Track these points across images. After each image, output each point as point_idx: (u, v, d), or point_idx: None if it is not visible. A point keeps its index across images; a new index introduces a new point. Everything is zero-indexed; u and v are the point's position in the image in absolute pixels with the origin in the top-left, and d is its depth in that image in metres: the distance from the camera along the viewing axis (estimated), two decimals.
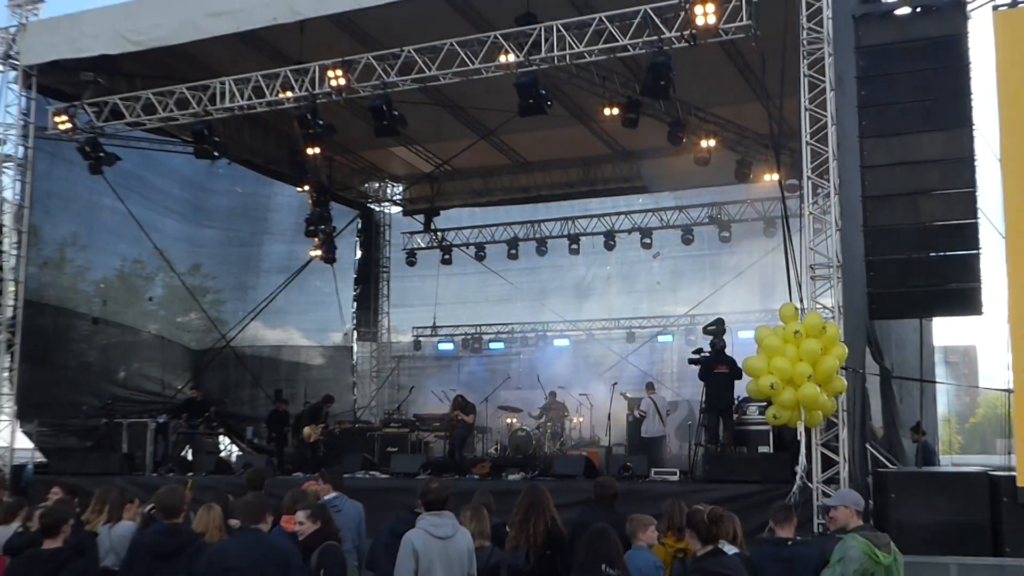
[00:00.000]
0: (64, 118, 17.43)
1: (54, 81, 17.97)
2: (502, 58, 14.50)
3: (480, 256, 25.10)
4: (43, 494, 11.50)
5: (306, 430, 18.18)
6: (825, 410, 11.63)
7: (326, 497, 8.82)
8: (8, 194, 17.90)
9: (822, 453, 11.92)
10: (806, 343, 11.44)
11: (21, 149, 17.86)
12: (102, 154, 17.54)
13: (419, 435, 18.75)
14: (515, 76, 14.46)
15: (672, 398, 19.90)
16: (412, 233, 26.06)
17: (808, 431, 11.84)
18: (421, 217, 25.51)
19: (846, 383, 11.68)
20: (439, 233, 25.66)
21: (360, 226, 26.46)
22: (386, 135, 15.95)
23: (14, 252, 17.78)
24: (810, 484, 11.76)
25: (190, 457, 19.55)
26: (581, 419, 19.53)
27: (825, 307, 12.15)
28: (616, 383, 19.03)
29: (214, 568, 6.67)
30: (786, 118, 13.54)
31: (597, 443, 18.43)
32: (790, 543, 7.34)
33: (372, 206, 26.51)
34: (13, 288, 17.73)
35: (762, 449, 13.93)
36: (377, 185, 26.03)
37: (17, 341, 17.62)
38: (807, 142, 12.51)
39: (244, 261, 23.96)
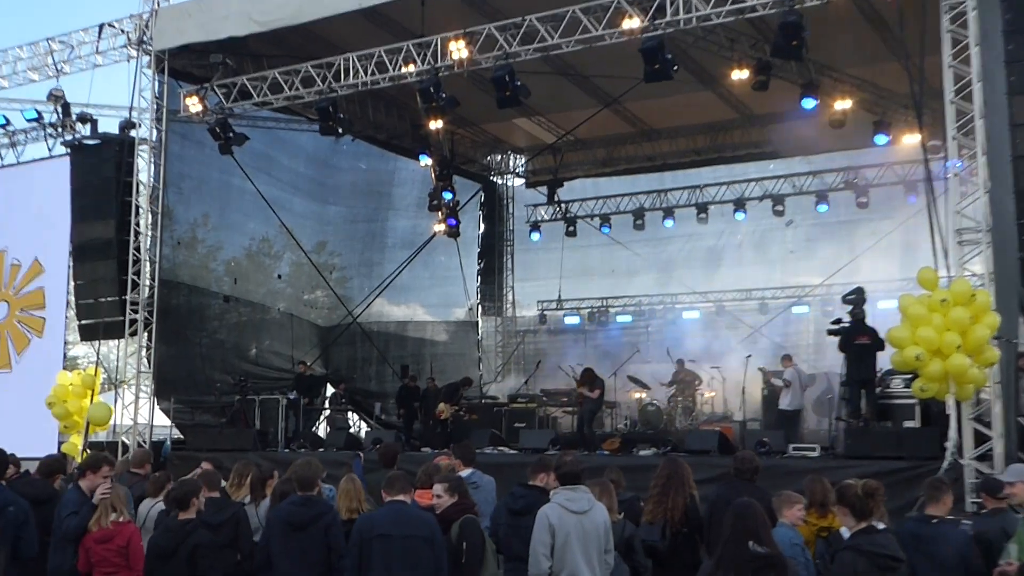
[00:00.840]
0: (195, 100, 17.90)
1: (184, 64, 18.39)
2: (626, 23, 14.34)
3: (605, 227, 24.86)
4: (181, 469, 11.96)
5: (441, 406, 18.41)
6: (977, 382, 11.33)
7: (463, 473, 8.87)
8: (144, 176, 18.37)
9: (973, 428, 11.58)
10: (954, 312, 11.17)
11: (155, 132, 18.30)
12: (231, 134, 17.90)
13: (546, 410, 18.83)
14: (640, 41, 14.27)
15: (809, 371, 19.30)
16: (536, 206, 25.92)
17: (958, 405, 11.55)
18: (544, 189, 25.41)
19: (999, 354, 11.34)
20: (563, 205, 25.38)
21: (483, 199, 26.33)
22: (508, 106, 15.93)
23: (149, 233, 18.22)
24: (961, 461, 11.45)
25: (322, 433, 20.05)
26: (713, 393, 19.38)
27: (973, 274, 11.84)
28: (750, 356, 18.79)
29: (365, 535, 6.86)
30: (926, 76, 13.28)
31: (730, 418, 18.24)
32: (935, 521, 7.14)
33: (495, 179, 26.47)
34: (149, 268, 18.14)
35: (908, 424, 13.53)
36: (500, 157, 25.99)
37: (153, 320, 18.06)
38: (951, 101, 12.14)
39: (369, 237, 24.13)
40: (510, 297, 26.53)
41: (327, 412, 21.46)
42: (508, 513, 7.76)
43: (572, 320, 25.34)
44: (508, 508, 7.80)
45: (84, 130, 20.82)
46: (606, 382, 17.51)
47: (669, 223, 23.99)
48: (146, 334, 18.05)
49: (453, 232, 23.40)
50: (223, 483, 8.59)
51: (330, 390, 22.09)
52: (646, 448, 15.21)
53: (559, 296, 25.63)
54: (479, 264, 26.29)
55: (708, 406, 19.24)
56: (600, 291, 25.21)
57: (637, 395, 19.75)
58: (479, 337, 26.28)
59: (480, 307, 26.34)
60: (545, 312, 25.89)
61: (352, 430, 21.27)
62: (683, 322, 23.71)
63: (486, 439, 16.52)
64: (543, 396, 19.24)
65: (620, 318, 24.83)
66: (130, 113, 18.29)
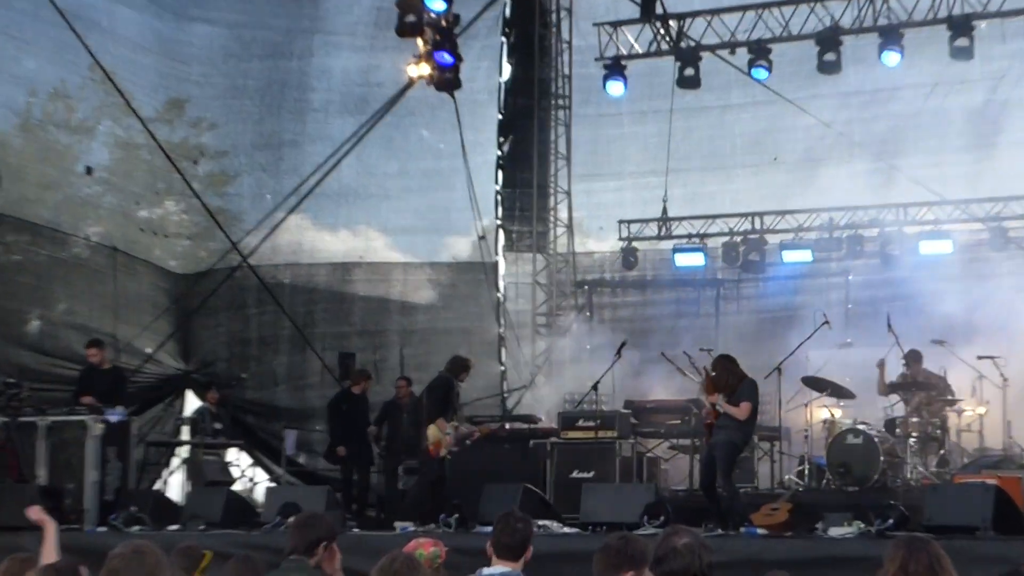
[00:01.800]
0: None
1: None
2: None
3: (759, 68, 23.42)
4: None
5: (433, 431, 18.24)
6: None
7: (487, 572, 8.86)
8: None
9: None
10: None
11: None
12: None
13: (638, 444, 19.37)
14: None
15: None
16: (616, 24, 24.62)
17: None
18: None
19: None
20: (670, 25, 24.18)
21: (509, 14, 25.92)
22: None
23: None
24: None
25: (174, 492, 20.79)
26: (984, 411, 19.26)
27: None
28: None
29: None
30: None
31: (1017, 459, 18.17)
32: None
33: None
34: None
35: None
36: None
37: None
38: None
39: (273, 92, 24.17)
40: (564, 214, 26.62)
41: (185, 449, 21.64)
42: None
43: (690, 260, 25.22)
44: None
45: None
46: (761, 386, 17.01)
47: (891, 56, 22.50)
48: None
49: (447, 79, 22.59)
50: None
51: (192, 403, 22.89)
52: (844, 522, 14.94)
53: (663, 212, 25.15)
54: (500, 148, 26.13)
55: (973, 434, 19.37)
56: (748, 202, 25.07)
57: (824, 414, 19.79)
58: (499, 295, 25.99)
59: (502, 234, 26.42)
60: (634, 244, 25.52)
61: (240, 486, 21.50)
62: (918, 262, 23.44)
63: (513, 499, 16.27)
64: (629, 415, 19.49)
65: (789, 255, 24.46)
66: None
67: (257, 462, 22.94)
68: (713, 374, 16.67)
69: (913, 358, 19.40)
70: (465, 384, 19.53)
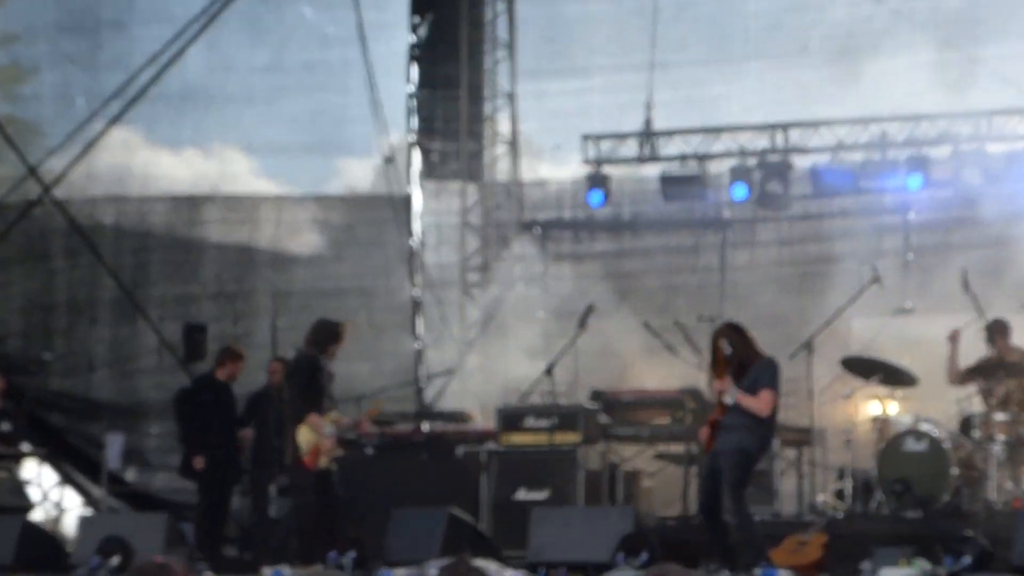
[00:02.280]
0: None
1: None
2: None
3: None
4: None
5: (305, 436, 17.83)
6: None
7: None
8: None
9: None
10: None
11: None
12: None
13: (609, 452, 19.88)
14: None
15: None
16: None
17: None
18: None
19: None
20: None
21: None
22: None
23: None
24: None
25: None
26: None
27: None
28: None
29: None
30: None
31: None
32: None
33: None
34: None
35: None
36: None
37: None
38: None
39: None
40: (503, 128, 26.92)
41: None
42: None
43: (684, 192, 25.12)
44: None
45: None
46: (784, 370, 17.12)
47: None
48: None
49: None
50: None
51: None
52: (900, 560, 15.68)
53: (646, 125, 24.88)
54: (414, 31, 26.03)
55: None
56: (766, 109, 24.91)
57: (874, 409, 20.13)
58: (414, 242, 25.89)
59: (417, 157, 26.26)
60: (605, 169, 25.11)
61: (42, 513, 22.06)
62: (1011, 194, 23.25)
63: (434, 531, 17.09)
64: (598, 411, 19.76)
65: (824, 184, 24.38)
66: None
67: (66, 479, 22.77)
68: (723, 351, 15.97)
69: (999, 331, 19.06)
70: (362, 367, 21.00)
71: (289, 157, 25.32)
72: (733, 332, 16.17)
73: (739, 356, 15.93)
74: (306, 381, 18.08)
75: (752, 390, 15.70)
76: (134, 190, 24.44)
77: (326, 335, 18.42)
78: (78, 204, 23.64)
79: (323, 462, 17.75)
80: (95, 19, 24.37)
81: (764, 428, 15.97)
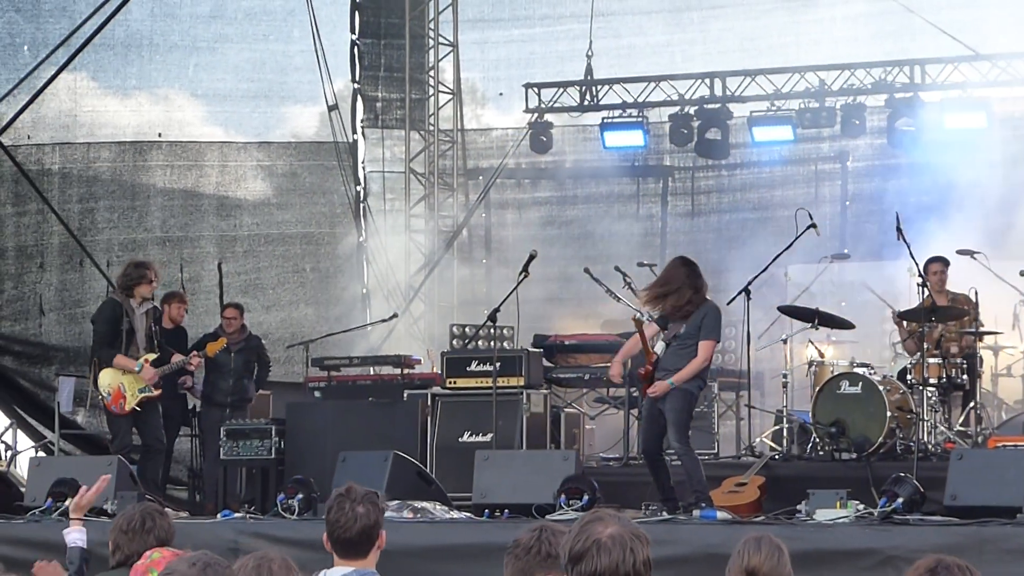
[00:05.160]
0: None
1: None
2: None
3: None
4: None
5: (108, 378, 18.89)
6: None
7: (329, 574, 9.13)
8: None
9: None
10: None
11: None
12: None
13: (554, 395, 20.05)
14: None
15: None
16: None
17: None
18: None
19: None
20: None
21: None
22: None
23: None
24: None
25: None
26: None
27: None
28: None
29: None
30: None
31: None
32: None
33: None
34: None
35: None
36: None
37: None
38: None
39: None
40: (446, 76, 27.34)
41: None
42: None
43: (625, 139, 25.99)
44: None
45: None
46: (723, 315, 17.84)
47: None
48: None
49: None
50: None
51: None
52: (836, 502, 15.80)
53: (587, 73, 25.81)
54: None
55: (1014, 381, 20.55)
56: (705, 58, 25.73)
57: (810, 353, 20.36)
58: (359, 188, 26.69)
59: (361, 105, 27.07)
60: (548, 117, 26.39)
61: None
62: (944, 141, 23.79)
63: (379, 472, 17.12)
64: (541, 355, 20.11)
65: (762, 132, 25.30)
66: None
67: (18, 423, 22.80)
68: (659, 288, 16.66)
69: (934, 272, 19.37)
70: (307, 312, 22.56)
71: (234, 104, 25.68)
72: (683, 266, 16.82)
73: (686, 294, 16.45)
74: (106, 325, 18.84)
75: (696, 336, 16.42)
76: (80, 136, 24.52)
77: (132, 276, 19.19)
78: (25, 151, 23.67)
79: (130, 403, 18.53)
80: None
81: (703, 372, 16.78)
